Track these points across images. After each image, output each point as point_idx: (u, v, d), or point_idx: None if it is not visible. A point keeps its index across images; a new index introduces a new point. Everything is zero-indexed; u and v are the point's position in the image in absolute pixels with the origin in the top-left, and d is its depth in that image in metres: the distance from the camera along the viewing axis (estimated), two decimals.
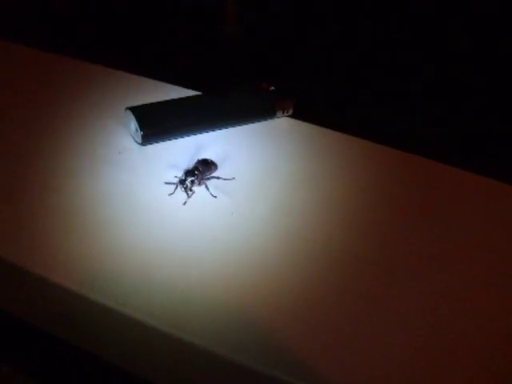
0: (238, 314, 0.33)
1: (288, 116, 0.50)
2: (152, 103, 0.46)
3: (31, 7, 1.09)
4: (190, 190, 0.41)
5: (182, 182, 0.41)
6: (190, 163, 0.43)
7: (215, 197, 0.42)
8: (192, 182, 0.41)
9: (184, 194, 0.41)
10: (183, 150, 0.45)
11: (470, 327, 0.34)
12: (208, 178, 0.43)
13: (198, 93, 0.50)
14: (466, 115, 1.04)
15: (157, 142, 0.45)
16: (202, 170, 0.42)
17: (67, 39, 1.10)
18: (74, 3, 1.12)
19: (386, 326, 0.34)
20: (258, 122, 0.49)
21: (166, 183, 0.42)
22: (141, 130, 0.44)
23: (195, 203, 0.41)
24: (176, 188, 0.41)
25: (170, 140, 0.46)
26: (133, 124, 0.45)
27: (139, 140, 0.45)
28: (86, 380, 0.52)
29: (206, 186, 0.42)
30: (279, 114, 0.49)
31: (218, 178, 0.43)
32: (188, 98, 0.48)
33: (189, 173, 0.42)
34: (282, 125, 0.49)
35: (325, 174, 0.45)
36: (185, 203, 0.41)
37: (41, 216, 0.39)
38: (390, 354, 0.32)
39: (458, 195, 0.44)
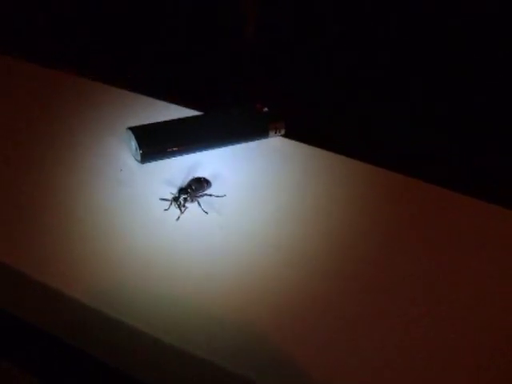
0: (233, 324, 0.38)
1: (281, 136, 0.54)
2: (152, 123, 0.51)
3: (31, 8, 1.13)
4: (184, 206, 0.46)
5: (175, 199, 0.46)
6: (184, 181, 0.48)
7: (207, 213, 0.46)
8: (185, 199, 0.46)
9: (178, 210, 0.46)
10: (180, 167, 0.50)
11: (467, 331, 0.38)
12: (200, 195, 0.47)
13: (198, 113, 0.55)
14: (466, 115, 1.07)
15: (156, 161, 0.50)
16: (195, 187, 0.47)
17: (67, 39, 1.14)
18: (74, 4, 1.16)
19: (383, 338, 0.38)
20: (252, 141, 0.53)
21: (161, 199, 0.46)
22: (140, 149, 0.48)
23: (189, 218, 0.45)
24: (171, 204, 0.46)
25: (168, 158, 0.50)
26: (133, 143, 0.49)
27: (139, 158, 0.49)
28: (86, 380, 0.56)
29: (199, 203, 0.46)
30: (272, 133, 0.53)
31: (210, 195, 0.47)
32: (185, 118, 0.52)
33: (182, 190, 0.46)
34: (274, 144, 0.54)
35: (314, 192, 0.49)
36: (178, 219, 0.45)
37: (46, 226, 0.44)
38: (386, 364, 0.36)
39: (454, 218, 0.48)
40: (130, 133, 0.49)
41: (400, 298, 0.40)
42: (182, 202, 0.46)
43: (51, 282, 0.40)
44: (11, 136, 0.52)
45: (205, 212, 0.46)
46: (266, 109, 0.54)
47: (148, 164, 0.50)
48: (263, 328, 0.37)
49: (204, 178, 0.48)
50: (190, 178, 0.48)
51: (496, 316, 0.39)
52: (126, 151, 0.51)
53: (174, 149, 0.50)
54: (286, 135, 0.55)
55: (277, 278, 0.41)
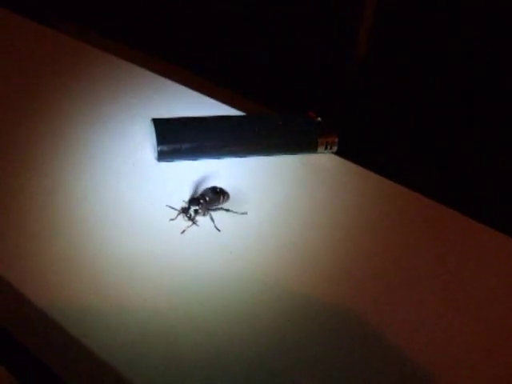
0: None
1: (332, 153, 0.49)
2: (180, 117, 0.48)
3: None
4: (193, 219, 0.42)
5: (184, 210, 0.43)
6: (198, 189, 0.44)
7: (219, 230, 0.42)
8: (196, 211, 0.42)
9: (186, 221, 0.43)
10: (203, 173, 0.47)
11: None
12: (215, 209, 0.43)
13: (240, 113, 0.51)
14: None
15: (175, 161, 0.47)
16: (210, 199, 0.43)
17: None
18: None
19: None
20: (296, 154, 0.49)
21: (169, 207, 0.43)
22: (158, 146, 0.46)
23: (196, 233, 0.42)
24: (178, 214, 0.43)
25: (191, 160, 0.47)
26: (154, 137, 0.47)
27: (156, 156, 0.47)
28: None
29: (211, 217, 0.43)
30: (321, 149, 0.49)
31: (227, 210, 0.44)
32: (220, 117, 0.49)
33: (194, 201, 0.43)
34: (322, 162, 0.49)
35: (357, 224, 0.44)
36: (183, 232, 0.42)
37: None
38: None
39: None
40: (152, 125, 0.47)
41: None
42: (193, 215, 0.43)
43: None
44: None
45: (217, 229, 0.43)
46: (319, 118, 0.49)
47: (166, 163, 0.47)
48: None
49: (221, 189, 0.44)
50: (205, 187, 0.44)
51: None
52: (148, 144, 0.49)
53: (199, 151, 0.47)
54: (339, 153, 0.50)
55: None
